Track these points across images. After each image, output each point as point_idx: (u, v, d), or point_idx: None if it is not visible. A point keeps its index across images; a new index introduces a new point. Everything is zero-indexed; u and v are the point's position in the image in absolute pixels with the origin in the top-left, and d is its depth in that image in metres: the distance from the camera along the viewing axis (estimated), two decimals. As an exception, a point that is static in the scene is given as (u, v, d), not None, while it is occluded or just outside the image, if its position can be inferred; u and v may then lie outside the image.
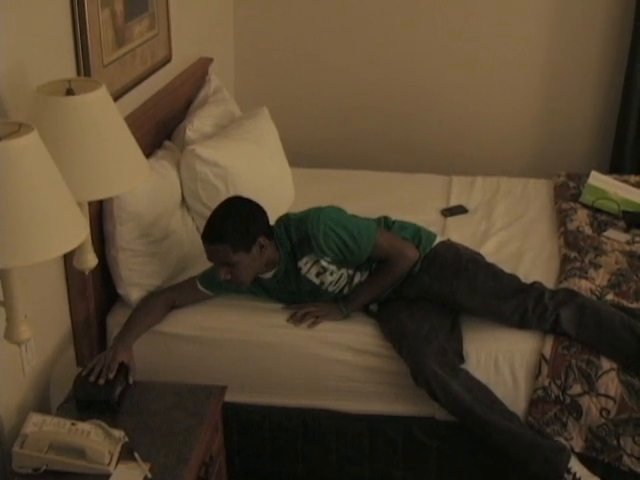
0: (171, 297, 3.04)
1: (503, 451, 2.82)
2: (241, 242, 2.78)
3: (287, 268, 2.96)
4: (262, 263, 2.89)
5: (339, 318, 3.01)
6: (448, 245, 3.14)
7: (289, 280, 2.99)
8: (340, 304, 3.02)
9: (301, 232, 2.91)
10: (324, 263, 2.94)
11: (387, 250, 2.97)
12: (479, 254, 3.19)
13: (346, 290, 3.04)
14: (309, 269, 2.96)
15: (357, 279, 3.03)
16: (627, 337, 2.84)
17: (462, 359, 2.89)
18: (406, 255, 2.99)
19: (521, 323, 2.92)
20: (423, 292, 3.02)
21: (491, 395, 2.84)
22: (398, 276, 3.01)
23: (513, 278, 3.04)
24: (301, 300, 3.05)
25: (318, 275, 2.98)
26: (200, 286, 3.04)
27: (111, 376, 2.63)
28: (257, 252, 2.84)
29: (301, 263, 2.95)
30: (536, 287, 2.98)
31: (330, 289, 3.02)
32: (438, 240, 3.13)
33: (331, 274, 2.98)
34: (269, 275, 2.98)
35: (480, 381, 2.86)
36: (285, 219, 2.98)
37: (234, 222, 2.79)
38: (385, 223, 3.12)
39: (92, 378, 2.62)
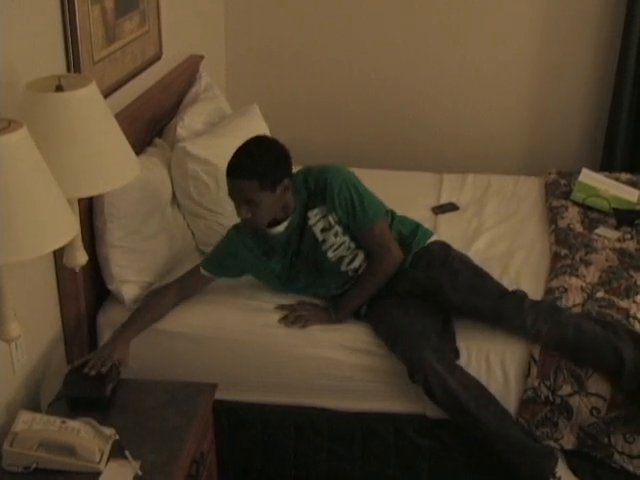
0: (177, 288, 3.04)
1: (493, 451, 2.82)
2: (268, 181, 2.80)
3: (299, 217, 2.97)
4: (281, 207, 2.91)
5: (329, 323, 3.01)
6: (441, 244, 3.17)
7: (296, 234, 2.99)
8: (330, 310, 3.02)
9: (320, 181, 2.95)
10: (331, 220, 2.95)
11: (378, 240, 3.00)
12: (468, 257, 3.20)
13: (343, 266, 3.03)
14: (317, 221, 2.97)
15: (357, 262, 3.03)
16: (610, 358, 2.78)
17: (457, 354, 2.89)
18: (392, 253, 3.01)
19: (495, 324, 2.90)
20: (410, 285, 3.03)
21: (486, 393, 2.84)
22: (384, 276, 3.02)
23: (497, 283, 3.04)
24: (298, 271, 3.05)
25: (323, 231, 2.98)
26: (202, 270, 3.04)
27: (104, 370, 2.62)
28: (280, 193, 2.86)
29: (311, 213, 2.97)
30: (518, 294, 2.95)
31: (329, 254, 3.01)
32: (433, 239, 3.16)
33: (335, 235, 2.98)
34: (281, 229, 2.97)
35: (475, 378, 2.85)
36: (305, 169, 3.03)
37: (264, 160, 2.81)
38: (387, 214, 3.14)
39: (86, 370, 2.62)
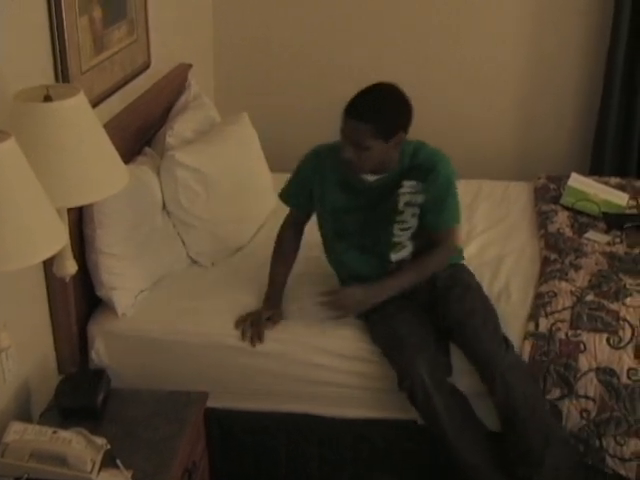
0: (289, 223, 3.15)
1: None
2: (384, 129, 2.76)
3: (392, 179, 2.93)
4: (384, 159, 2.86)
5: (364, 306, 2.95)
6: (468, 268, 3.17)
7: (381, 193, 2.95)
8: (366, 286, 2.95)
9: (429, 161, 2.91)
10: (419, 199, 2.92)
11: (449, 238, 3.02)
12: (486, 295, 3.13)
13: (393, 253, 3.00)
14: (407, 192, 2.92)
15: (403, 253, 3.01)
16: (534, 450, 2.73)
17: (450, 370, 2.88)
18: (451, 250, 3.06)
19: (470, 352, 2.86)
20: (423, 285, 3.01)
21: (467, 416, 2.83)
22: (434, 262, 3.00)
23: (498, 323, 2.94)
24: (360, 228, 3.01)
25: (406, 205, 2.95)
26: (280, 198, 3.14)
27: (262, 341, 2.89)
28: (392, 146, 2.82)
29: (407, 183, 2.92)
30: (506, 341, 2.88)
31: (396, 229, 2.97)
32: (464, 262, 3.20)
33: (412, 215, 2.95)
34: (370, 178, 2.94)
35: (463, 397, 2.84)
36: (419, 142, 2.98)
37: (386, 107, 2.78)
38: None
39: (244, 340, 2.90)
